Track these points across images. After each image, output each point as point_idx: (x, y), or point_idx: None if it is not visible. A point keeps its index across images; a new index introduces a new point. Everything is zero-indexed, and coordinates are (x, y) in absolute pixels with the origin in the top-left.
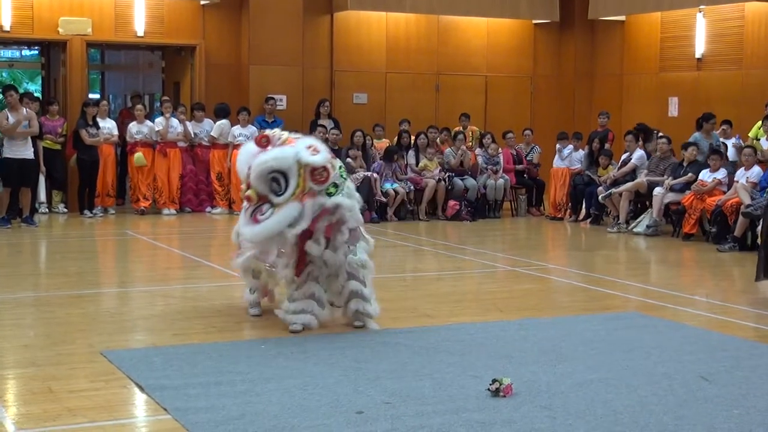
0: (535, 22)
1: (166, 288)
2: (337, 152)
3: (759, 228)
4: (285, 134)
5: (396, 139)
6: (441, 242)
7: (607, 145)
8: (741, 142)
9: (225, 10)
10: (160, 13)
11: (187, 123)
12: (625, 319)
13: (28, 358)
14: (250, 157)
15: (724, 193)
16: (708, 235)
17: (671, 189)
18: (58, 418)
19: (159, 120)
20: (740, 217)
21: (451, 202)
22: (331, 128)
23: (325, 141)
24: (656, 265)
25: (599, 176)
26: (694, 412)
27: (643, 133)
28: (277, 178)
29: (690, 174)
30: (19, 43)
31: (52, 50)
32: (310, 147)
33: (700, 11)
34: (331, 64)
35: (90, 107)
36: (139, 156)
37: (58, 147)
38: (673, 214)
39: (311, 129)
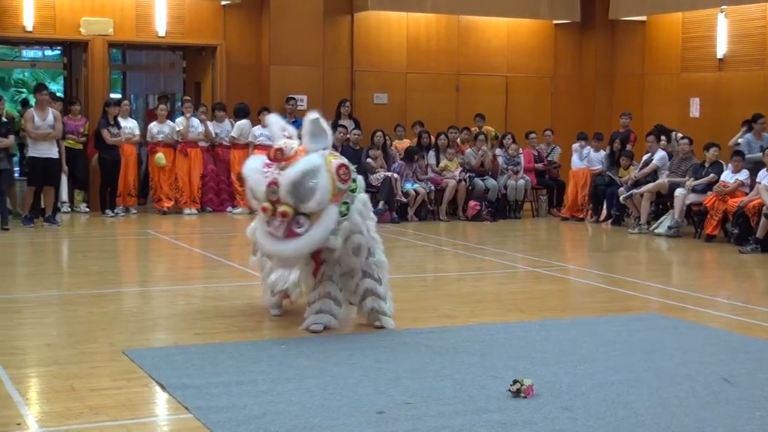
0: (555, 22)
1: (187, 287)
2: (357, 152)
3: None
4: (296, 144)
5: (416, 139)
6: (461, 242)
7: (628, 146)
8: None
9: (246, 10)
10: (181, 13)
11: (209, 123)
12: (646, 321)
13: (50, 357)
14: (260, 174)
15: (746, 194)
16: (730, 237)
17: (693, 190)
18: (80, 417)
19: (180, 120)
20: (762, 219)
21: (472, 203)
22: (352, 129)
23: (346, 141)
24: (678, 266)
25: (620, 177)
26: (716, 414)
27: (661, 134)
28: (312, 185)
29: (712, 175)
30: (42, 43)
31: (74, 50)
32: (325, 149)
33: (722, 11)
34: (351, 65)
35: (111, 107)
36: (159, 156)
37: (80, 147)
38: (694, 216)
39: (332, 129)
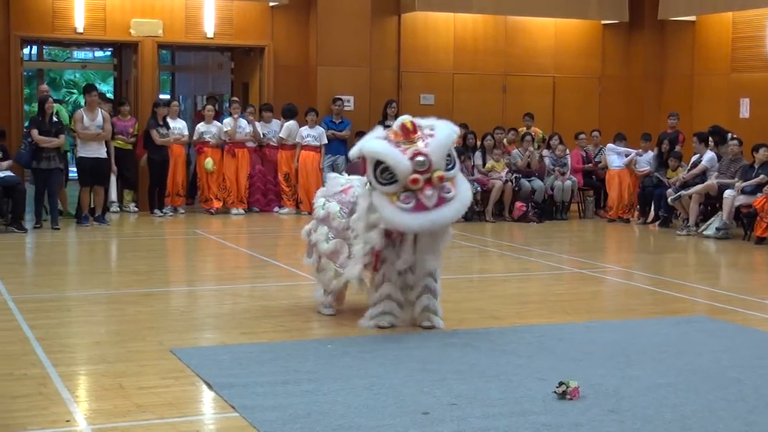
0: (603, 22)
1: (234, 287)
2: None
3: None
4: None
5: (462, 140)
6: (507, 243)
7: (677, 147)
8: None
9: (293, 11)
10: (230, 14)
11: (257, 123)
12: (693, 323)
13: (99, 355)
14: (397, 149)
15: None
16: None
17: (742, 191)
18: (128, 414)
19: (227, 120)
20: None
21: (518, 204)
22: None
23: None
24: (726, 268)
25: (668, 178)
26: (765, 418)
27: (717, 136)
28: (450, 153)
29: (762, 176)
30: (92, 44)
31: (124, 51)
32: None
33: None
34: (398, 65)
35: (160, 108)
36: (208, 161)
37: (129, 147)
38: (744, 217)
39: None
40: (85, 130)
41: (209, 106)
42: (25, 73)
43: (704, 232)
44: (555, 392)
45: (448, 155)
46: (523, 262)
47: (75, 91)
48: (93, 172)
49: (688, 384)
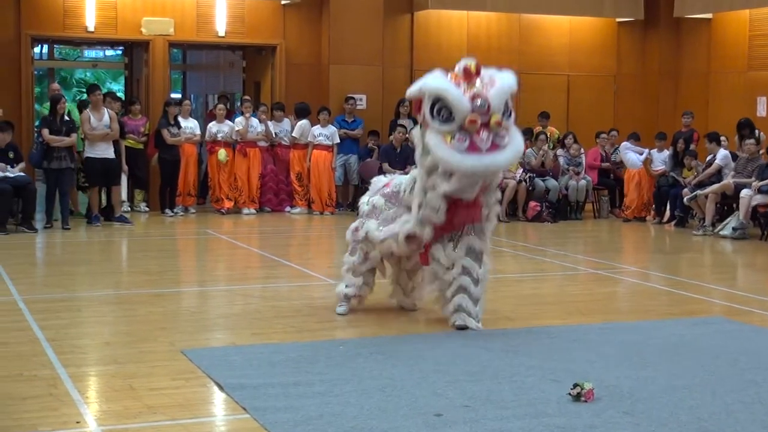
0: (618, 20)
1: (245, 287)
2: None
3: None
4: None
5: None
6: (521, 244)
7: (691, 146)
8: None
9: (305, 9)
10: (241, 13)
11: (269, 123)
12: (710, 324)
13: (109, 356)
14: (448, 82)
15: None
16: None
17: (759, 191)
18: (139, 416)
19: (239, 120)
20: None
21: (532, 203)
22: (411, 128)
23: (405, 141)
24: (743, 268)
25: (684, 178)
26: None
27: (746, 129)
28: (508, 102)
29: None
30: (103, 43)
31: (135, 50)
32: None
33: None
34: (411, 64)
35: (172, 107)
36: (221, 152)
37: (140, 146)
38: (761, 217)
39: (391, 129)
40: (92, 130)
41: (221, 105)
42: (35, 72)
43: (721, 232)
44: (569, 394)
45: (506, 103)
46: (537, 263)
47: (85, 90)
48: (103, 173)
49: (704, 386)
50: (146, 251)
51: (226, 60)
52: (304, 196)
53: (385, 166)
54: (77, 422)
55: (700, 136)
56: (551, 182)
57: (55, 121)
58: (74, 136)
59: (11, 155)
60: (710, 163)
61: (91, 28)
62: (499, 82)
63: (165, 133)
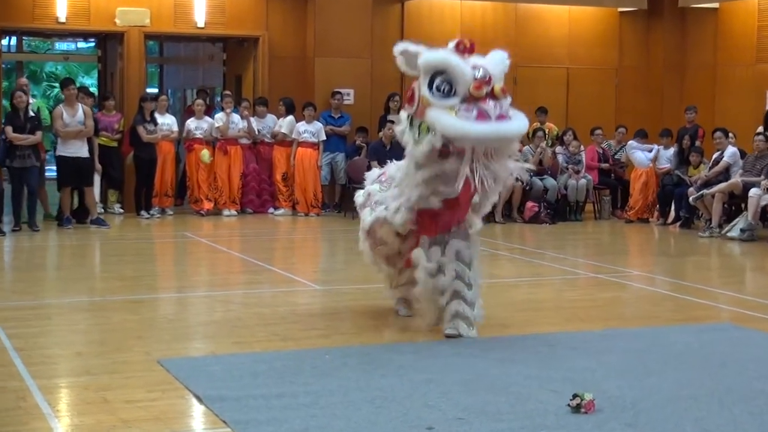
0: (620, 10)
1: (226, 293)
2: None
3: None
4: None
5: None
6: (518, 246)
7: (697, 142)
8: None
9: None
10: (222, 2)
11: (251, 119)
12: (717, 331)
13: (82, 367)
14: (447, 52)
15: None
16: None
17: None
18: (113, 430)
19: (219, 116)
20: None
21: (529, 204)
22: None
23: (395, 138)
24: (752, 272)
25: (690, 176)
26: None
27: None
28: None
29: None
30: (75, 35)
31: (108, 42)
32: None
33: None
34: None
35: (148, 102)
36: (204, 152)
37: (114, 144)
38: None
39: (380, 125)
40: (65, 127)
41: (200, 101)
42: (3, 66)
43: (728, 234)
44: (569, 405)
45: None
46: (534, 266)
47: (56, 84)
48: (76, 173)
49: (711, 396)
50: (121, 255)
51: (206, 53)
52: (288, 197)
53: (374, 164)
54: None
55: (705, 132)
56: (549, 181)
57: (18, 117)
58: (39, 133)
59: None
60: (717, 161)
61: (62, 19)
62: (491, 57)
63: (141, 130)
